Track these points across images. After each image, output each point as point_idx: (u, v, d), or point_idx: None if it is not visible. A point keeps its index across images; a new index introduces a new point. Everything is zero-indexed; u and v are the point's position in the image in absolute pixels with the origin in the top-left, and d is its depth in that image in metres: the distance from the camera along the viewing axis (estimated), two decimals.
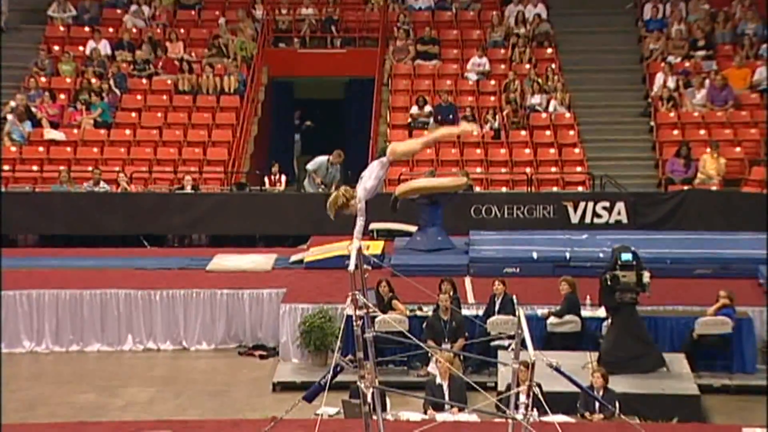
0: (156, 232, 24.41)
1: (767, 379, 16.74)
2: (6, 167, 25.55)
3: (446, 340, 17.03)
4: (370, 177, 10.13)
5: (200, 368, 18.67)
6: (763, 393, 16.49)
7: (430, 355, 16.39)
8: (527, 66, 28.68)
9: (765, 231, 20.75)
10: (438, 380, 15.09)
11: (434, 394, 14.77)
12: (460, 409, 14.29)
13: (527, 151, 26.49)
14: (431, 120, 27.17)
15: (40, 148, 26.46)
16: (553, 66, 28.47)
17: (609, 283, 16.38)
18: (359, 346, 10.62)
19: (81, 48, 29.48)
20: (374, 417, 11.36)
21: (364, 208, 10.07)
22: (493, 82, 28.65)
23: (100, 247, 22.92)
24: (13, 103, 27.05)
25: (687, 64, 28.34)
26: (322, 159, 24.83)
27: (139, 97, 28.15)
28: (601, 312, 17.29)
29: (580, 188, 25.37)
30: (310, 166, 24.88)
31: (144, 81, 28.55)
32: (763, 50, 27.97)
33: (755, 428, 12.68)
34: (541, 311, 17.66)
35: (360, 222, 10.08)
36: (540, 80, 27.83)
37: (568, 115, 27.33)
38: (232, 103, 27.95)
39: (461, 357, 16.77)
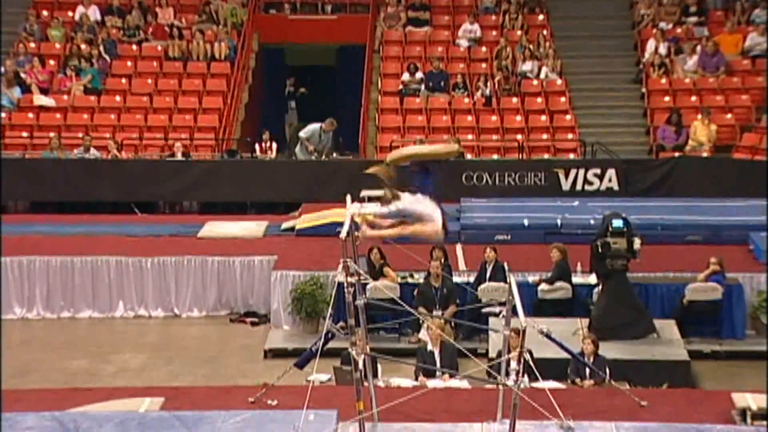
0: (147, 199, 24.37)
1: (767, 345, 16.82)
2: None
3: (437, 307, 17.07)
4: (416, 203, 10.27)
5: (192, 335, 18.69)
6: (753, 358, 16.60)
7: (421, 321, 16.40)
8: (518, 32, 28.64)
9: (756, 197, 20.82)
10: (429, 347, 15.08)
11: (425, 361, 14.79)
12: (451, 376, 14.29)
13: (518, 118, 26.47)
14: (422, 87, 27.15)
15: (30, 114, 26.39)
16: (545, 32, 28.42)
17: (600, 249, 16.40)
18: (350, 313, 10.68)
19: (70, 13, 29.37)
20: (365, 383, 11.42)
21: (392, 212, 10.21)
22: (484, 48, 28.60)
23: (90, 213, 22.87)
24: (1, 69, 26.95)
25: (678, 30, 28.29)
26: (315, 127, 24.80)
27: (129, 63, 28.04)
28: (592, 279, 17.33)
29: (571, 155, 25.39)
30: (303, 134, 24.85)
31: (134, 47, 28.45)
32: (755, 16, 27.93)
33: (744, 393, 12.71)
34: (532, 278, 17.71)
35: (376, 210, 10.24)
36: (531, 47, 27.78)
37: (559, 81, 27.30)
38: (222, 70, 27.86)
39: (452, 324, 16.82)
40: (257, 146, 25.78)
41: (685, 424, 11.88)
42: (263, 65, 30.46)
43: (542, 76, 27.31)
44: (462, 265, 18.68)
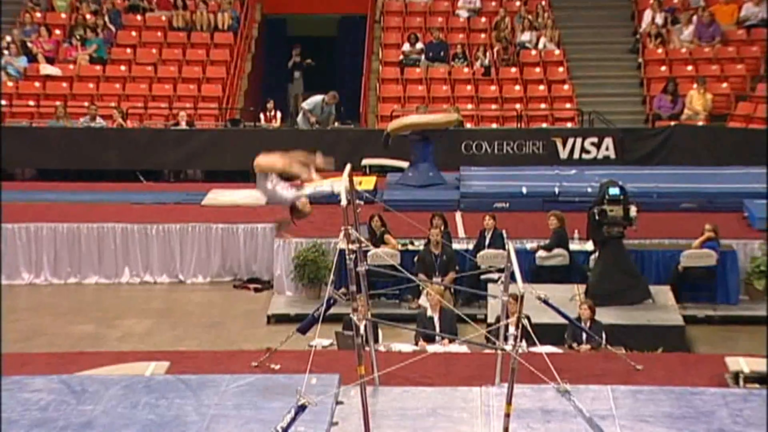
0: (151, 168, 24.52)
1: (767, 310, 17.01)
2: (3, 102, 25.65)
3: (437, 273, 17.23)
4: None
5: (196, 301, 18.88)
6: (746, 323, 16.86)
7: (421, 288, 16.60)
8: (517, 3, 28.73)
9: (750, 165, 21.03)
10: (429, 313, 15.20)
11: (425, 326, 14.87)
12: (451, 341, 14.38)
13: (517, 87, 26.61)
14: (423, 57, 27.29)
15: (36, 84, 26.56)
16: (543, 3, 28.48)
17: (597, 217, 16.47)
18: (352, 280, 10.77)
19: None
20: (367, 348, 11.61)
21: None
22: (483, 19, 28.69)
23: (96, 181, 23.10)
24: (8, 38, 27.11)
25: (675, 0, 28.40)
26: (317, 99, 24.96)
27: (133, 33, 28.14)
28: (589, 245, 17.48)
29: (569, 124, 25.52)
30: (305, 105, 25.04)
31: (138, 17, 28.55)
32: None
33: (738, 357, 12.93)
34: (530, 245, 17.84)
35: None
36: (530, 17, 27.89)
37: (557, 51, 27.42)
38: (226, 40, 27.98)
39: (452, 290, 16.95)
40: (262, 115, 25.98)
41: (679, 387, 11.96)
42: (266, 35, 30.57)
43: (540, 46, 27.43)
44: (461, 233, 18.86)
